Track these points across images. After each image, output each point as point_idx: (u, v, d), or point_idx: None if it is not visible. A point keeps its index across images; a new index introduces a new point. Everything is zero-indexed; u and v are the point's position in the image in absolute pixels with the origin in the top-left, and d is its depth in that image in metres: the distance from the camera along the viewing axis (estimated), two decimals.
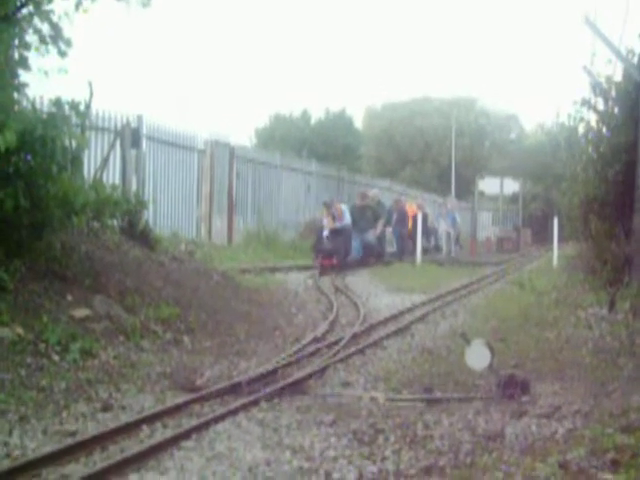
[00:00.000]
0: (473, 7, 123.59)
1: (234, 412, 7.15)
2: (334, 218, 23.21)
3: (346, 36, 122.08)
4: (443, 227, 35.27)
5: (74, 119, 10.77)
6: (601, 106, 16.25)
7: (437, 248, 34.16)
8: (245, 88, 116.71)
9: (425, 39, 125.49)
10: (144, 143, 18.80)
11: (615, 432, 5.88)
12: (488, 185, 44.74)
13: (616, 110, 15.43)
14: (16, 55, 10.75)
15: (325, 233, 22.85)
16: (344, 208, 23.98)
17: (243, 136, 66.32)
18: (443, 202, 42.03)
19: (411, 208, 31.34)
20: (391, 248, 28.79)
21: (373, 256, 25.42)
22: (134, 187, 17.00)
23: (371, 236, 25.34)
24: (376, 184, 36.77)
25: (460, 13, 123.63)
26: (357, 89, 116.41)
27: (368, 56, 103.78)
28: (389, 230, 28.47)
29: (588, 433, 6.08)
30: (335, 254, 22.35)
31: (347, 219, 23.61)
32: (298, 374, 8.65)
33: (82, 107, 10.86)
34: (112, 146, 16.68)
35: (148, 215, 16.75)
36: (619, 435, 5.77)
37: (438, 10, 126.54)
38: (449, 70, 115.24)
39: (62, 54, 11.74)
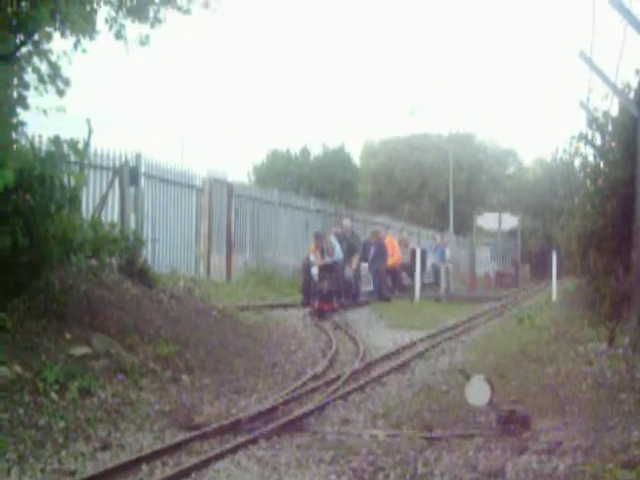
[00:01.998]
0: (472, 43, 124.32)
1: (233, 450, 7.12)
2: (323, 252, 20.24)
3: (344, 73, 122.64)
4: (430, 262, 32.96)
5: (73, 157, 10.80)
6: (598, 141, 16.29)
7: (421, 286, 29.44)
8: (243, 125, 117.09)
9: (423, 75, 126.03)
10: (142, 181, 18.82)
11: (616, 467, 5.86)
12: (486, 220, 44.82)
13: (613, 144, 15.47)
14: (15, 94, 10.79)
15: (314, 271, 20.02)
16: (334, 241, 20.96)
17: (242, 173, 66.58)
18: (432, 236, 40.25)
19: (391, 242, 27.97)
20: (368, 286, 25.36)
21: (346, 297, 21.77)
22: (133, 225, 17.01)
23: (346, 272, 21.88)
24: (374, 220, 36.75)
25: (458, 49, 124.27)
26: (355, 126, 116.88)
27: (365, 92, 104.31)
28: (364, 266, 25.20)
29: (589, 469, 6.06)
30: (335, 295, 19.76)
31: (338, 253, 20.66)
32: (297, 411, 8.63)
33: (81, 145, 10.89)
34: (111, 184, 16.71)
35: (147, 253, 16.76)
36: (620, 470, 5.75)
37: (436, 47, 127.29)
38: (447, 106, 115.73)
39: (60, 93, 11.81)
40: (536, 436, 7.43)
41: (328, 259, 20.23)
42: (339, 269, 20.68)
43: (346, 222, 25.91)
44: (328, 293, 19.47)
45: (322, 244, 20.51)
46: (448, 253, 35.31)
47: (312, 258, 20.47)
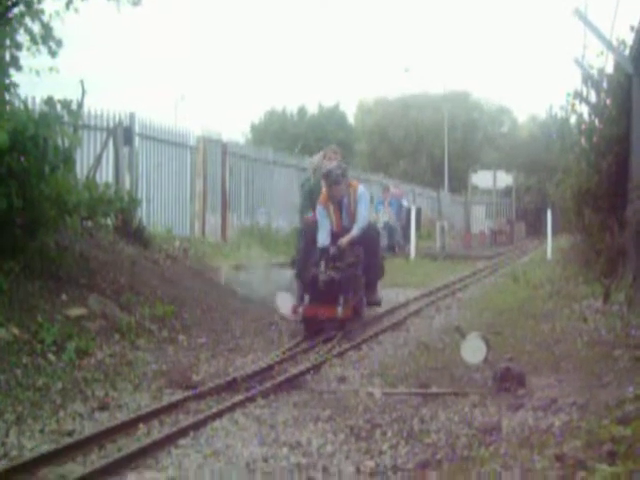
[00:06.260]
0: (465, 1, 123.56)
1: (231, 409, 7.15)
2: (341, 209, 11.89)
3: (339, 31, 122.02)
4: (383, 220, 26.76)
5: (66, 118, 10.76)
6: (593, 98, 16.28)
7: None
8: (238, 84, 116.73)
9: (417, 33, 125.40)
10: (137, 141, 18.76)
11: (611, 423, 5.88)
12: (481, 179, 44.86)
13: (608, 102, 15.45)
14: (7, 55, 10.74)
15: (322, 241, 11.53)
16: (362, 191, 12.08)
17: (237, 133, 66.55)
18: (383, 185, 32.63)
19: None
20: None
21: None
22: (127, 185, 16.99)
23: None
24: (370, 179, 36.66)
25: (452, 6, 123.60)
26: (350, 84, 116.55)
27: (361, 50, 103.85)
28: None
29: (584, 425, 6.09)
30: (343, 292, 10.90)
31: (363, 217, 11.81)
32: (294, 370, 8.66)
33: (74, 106, 10.86)
34: (105, 144, 16.66)
35: (142, 213, 16.74)
36: (615, 426, 5.77)
37: (430, 4, 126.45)
38: (442, 64, 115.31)
39: (53, 54, 11.76)
40: (531, 393, 7.46)
41: (354, 233, 11.67)
42: (372, 241, 12.17)
43: (394, 190, 23.42)
44: (327, 287, 10.87)
45: (339, 192, 11.84)
46: (406, 206, 29.86)
47: (320, 214, 11.96)
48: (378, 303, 12.61)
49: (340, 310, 10.72)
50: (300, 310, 10.93)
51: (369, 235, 11.97)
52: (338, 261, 11.15)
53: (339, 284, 10.89)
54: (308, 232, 12.23)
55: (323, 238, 11.61)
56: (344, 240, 11.49)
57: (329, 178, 11.74)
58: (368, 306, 12.23)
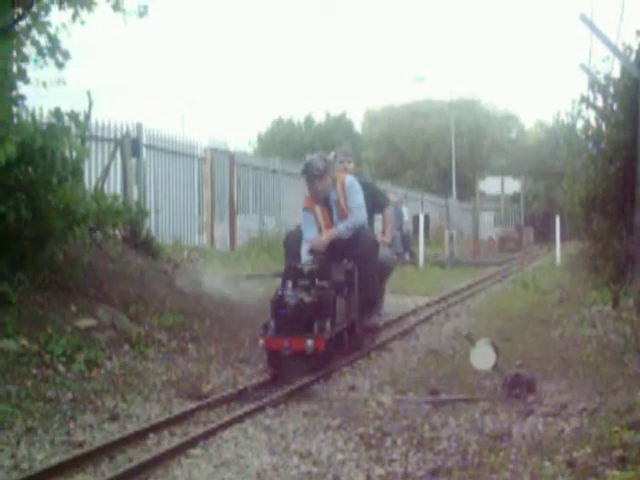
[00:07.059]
0: (472, 8, 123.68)
1: (240, 419, 7.14)
2: (331, 213, 9.94)
3: (346, 39, 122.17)
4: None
5: (74, 130, 10.78)
6: (600, 103, 16.27)
7: None
8: (245, 94, 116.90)
9: (425, 40, 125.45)
10: (144, 152, 18.79)
11: (622, 429, 5.87)
12: (489, 185, 44.91)
13: (615, 107, 15.44)
14: (15, 68, 10.77)
15: (306, 255, 9.74)
16: (351, 181, 10.08)
17: (245, 142, 66.75)
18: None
19: None
20: None
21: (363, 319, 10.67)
22: (135, 196, 17.00)
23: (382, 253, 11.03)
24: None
25: (459, 14, 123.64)
26: (357, 92, 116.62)
27: (368, 59, 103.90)
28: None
29: (595, 431, 6.08)
30: (317, 321, 8.54)
31: (358, 215, 9.83)
32: (304, 379, 8.64)
33: (81, 117, 10.88)
34: (112, 156, 16.68)
35: (150, 224, 16.76)
36: (626, 432, 5.76)
37: (437, 12, 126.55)
38: (449, 71, 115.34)
39: (60, 66, 11.79)
40: (541, 399, 7.46)
41: (341, 228, 9.77)
42: (366, 254, 9.87)
43: (394, 198, 21.96)
44: (296, 313, 8.53)
45: (324, 188, 9.83)
46: (406, 215, 29.12)
47: (305, 222, 10.15)
48: (375, 329, 10.75)
49: (310, 344, 8.34)
50: (261, 342, 8.60)
51: (365, 245, 9.84)
52: (320, 279, 8.93)
53: (312, 309, 8.59)
54: (289, 244, 10.30)
55: (307, 251, 9.73)
56: (324, 236, 9.66)
57: (309, 171, 9.70)
58: (364, 333, 10.41)
